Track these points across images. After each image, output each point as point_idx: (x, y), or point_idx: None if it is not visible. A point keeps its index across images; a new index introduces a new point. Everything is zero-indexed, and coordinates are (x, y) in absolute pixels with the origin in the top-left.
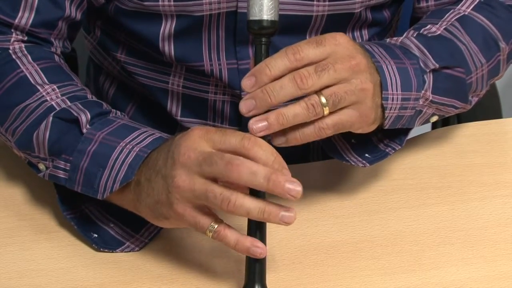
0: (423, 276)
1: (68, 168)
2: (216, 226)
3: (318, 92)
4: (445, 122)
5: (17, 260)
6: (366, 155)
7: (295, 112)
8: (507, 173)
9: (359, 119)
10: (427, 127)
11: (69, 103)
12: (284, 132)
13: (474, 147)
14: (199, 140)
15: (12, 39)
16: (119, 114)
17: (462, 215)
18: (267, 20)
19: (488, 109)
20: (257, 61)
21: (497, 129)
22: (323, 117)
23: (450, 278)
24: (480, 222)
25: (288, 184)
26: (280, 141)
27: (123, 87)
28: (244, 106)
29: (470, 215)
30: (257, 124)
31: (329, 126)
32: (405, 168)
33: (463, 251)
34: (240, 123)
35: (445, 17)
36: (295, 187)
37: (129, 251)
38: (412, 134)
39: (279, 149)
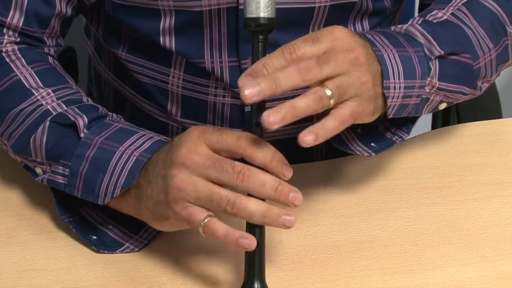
0: (423, 276)
1: (67, 174)
2: (206, 220)
3: (323, 84)
4: (445, 122)
5: (17, 260)
6: (372, 144)
7: (307, 103)
8: (507, 173)
9: (360, 110)
10: (427, 127)
11: (65, 107)
12: (310, 130)
13: (474, 147)
14: (198, 140)
15: (5, 41)
16: (116, 117)
17: (462, 215)
18: (264, 17)
19: (488, 109)
20: (254, 58)
21: (497, 129)
22: (341, 108)
23: (450, 278)
24: (480, 222)
25: (292, 193)
26: (310, 140)
27: (117, 95)
28: (249, 91)
29: (470, 215)
30: (271, 117)
31: (348, 117)
32: (405, 168)
33: (463, 251)
34: (241, 125)
35: (452, 2)
36: (298, 196)
37: (129, 252)
38: (412, 134)
39: (280, 149)
